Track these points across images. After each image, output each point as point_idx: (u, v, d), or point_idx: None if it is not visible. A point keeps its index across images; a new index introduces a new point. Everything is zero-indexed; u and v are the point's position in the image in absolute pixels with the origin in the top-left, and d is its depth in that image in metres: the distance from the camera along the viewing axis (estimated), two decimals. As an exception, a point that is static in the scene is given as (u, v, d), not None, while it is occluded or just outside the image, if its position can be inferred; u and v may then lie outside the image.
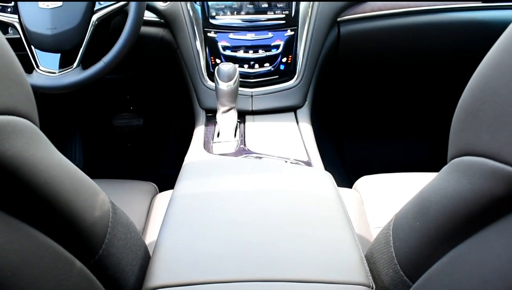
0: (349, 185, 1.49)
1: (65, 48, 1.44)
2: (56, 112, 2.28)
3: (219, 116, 1.49)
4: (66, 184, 0.54)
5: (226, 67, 1.40)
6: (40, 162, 0.49)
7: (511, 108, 0.46)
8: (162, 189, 1.46)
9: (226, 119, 1.48)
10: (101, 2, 1.45)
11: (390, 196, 1.33)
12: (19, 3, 1.45)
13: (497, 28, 1.80)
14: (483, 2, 1.78)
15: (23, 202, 0.47)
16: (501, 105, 0.48)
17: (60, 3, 1.41)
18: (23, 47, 1.46)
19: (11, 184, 0.45)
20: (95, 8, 1.44)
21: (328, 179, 1.05)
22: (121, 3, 1.43)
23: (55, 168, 0.52)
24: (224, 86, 1.39)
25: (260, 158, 1.35)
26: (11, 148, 0.43)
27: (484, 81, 0.52)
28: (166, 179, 1.57)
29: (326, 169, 1.24)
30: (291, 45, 1.65)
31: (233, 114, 1.48)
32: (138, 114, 2.52)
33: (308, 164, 1.34)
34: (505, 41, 0.50)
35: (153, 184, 1.48)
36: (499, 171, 0.47)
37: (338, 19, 1.73)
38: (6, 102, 0.44)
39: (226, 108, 1.45)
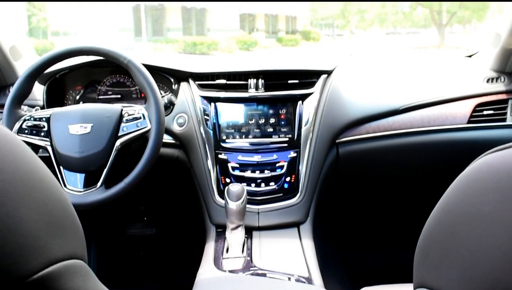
0: None
1: (90, 169, 1.57)
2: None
3: (228, 233, 1.62)
4: None
5: (235, 188, 1.56)
6: None
7: (449, 254, 0.59)
8: None
9: (235, 236, 1.60)
10: (125, 128, 1.61)
11: None
12: (52, 129, 1.61)
13: (480, 147, 1.98)
14: (467, 123, 1.96)
15: None
16: (443, 250, 0.61)
17: (88, 130, 1.57)
18: (52, 166, 1.58)
19: None
20: (119, 134, 1.60)
21: None
22: (144, 129, 1.60)
23: None
24: (233, 205, 1.53)
25: (265, 274, 1.45)
26: (72, 285, 0.56)
27: (432, 228, 0.66)
28: (176, 287, 1.64)
29: (329, 279, 1.33)
30: (294, 165, 1.82)
31: (241, 231, 1.61)
32: (151, 224, 2.63)
33: (309, 280, 1.44)
34: (451, 191, 0.64)
35: None
36: None
37: (337, 140, 1.91)
38: (70, 249, 0.56)
39: (234, 225, 1.58)
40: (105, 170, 1.56)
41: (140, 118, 1.61)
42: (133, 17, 17.25)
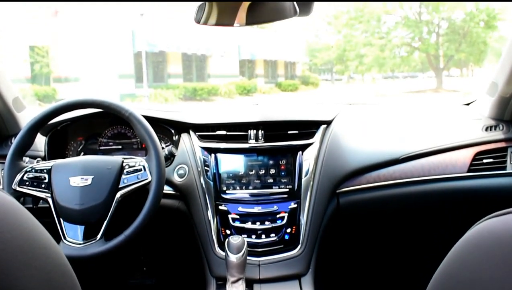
0: None
1: (90, 221, 1.57)
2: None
3: (228, 286, 1.59)
4: None
5: (235, 240, 1.54)
6: None
7: None
8: None
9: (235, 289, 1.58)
10: (125, 180, 1.62)
11: None
12: (53, 181, 1.62)
13: (481, 195, 1.98)
14: (467, 172, 1.96)
15: None
16: None
17: (89, 182, 1.58)
18: (52, 217, 1.58)
19: None
20: (120, 186, 1.60)
21: None
22: (144, 182, 1.60)
23: None
24: (233, 258, 1.52)
25: None
26: None
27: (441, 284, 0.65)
28: None
29: None
30: (294, 216, 1.81)
31: (242, 284, 1.58)
32: (151, 275, 2.60)
33: None
34: (452, 256, 0.64)
35: None
36: None
37: (338, 191, 1.91)
38: None
39: (235, 278, 1.56)
40: (105, 222, 1.57)
41: (140, 170, 1.62)
42: (134, 64, 17.48)
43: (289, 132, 1.90)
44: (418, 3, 23.82)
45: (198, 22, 1.47)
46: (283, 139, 1.88)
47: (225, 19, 1.49)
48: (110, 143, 2.07)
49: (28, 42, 16.76)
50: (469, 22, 22.52)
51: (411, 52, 25.90)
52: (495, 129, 2.02)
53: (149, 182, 1.60)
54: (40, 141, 1.97)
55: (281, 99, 18.31)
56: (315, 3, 1.59)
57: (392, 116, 2.18)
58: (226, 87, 19.57)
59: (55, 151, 2.00)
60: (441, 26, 24.38)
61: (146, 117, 1.67)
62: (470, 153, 1.98)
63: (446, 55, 24.87)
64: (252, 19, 1.47)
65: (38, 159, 1.83)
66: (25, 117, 2.07)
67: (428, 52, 24.32)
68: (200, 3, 1.46)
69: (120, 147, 2.07)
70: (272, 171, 1.85)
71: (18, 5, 15.81)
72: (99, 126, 2.07)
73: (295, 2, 1.41)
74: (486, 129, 2.02)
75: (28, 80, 16.66)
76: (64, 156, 2.04)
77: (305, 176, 1.84)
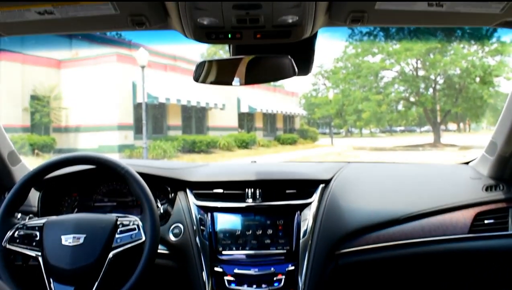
0: None
1: (81, 281, 1.51)
2: None
3: None
4: None
5: None
6: None
7: None
8: None
9: None
10: (119, 240, 1.57)
11: None
12: (44, 239, 1.57)
13: (482, 257, 1.93)
14: (468, 233, 1.93)
15: None
16: None
17: (81, 241, 1.53)
18: (42, 277, 1.52)
19: None
20: (113, 245, 1.55)
21: None
22: (138, 241, 1.56)
23: None
24: None
25: None
26: None
27: None
28: None
29: None
30: (292, 279, 1.75)
31: None
32: None
33: None
34: None
35: None
36: None
37: (336, 252, 1.86)
38: None
39: None
40: (96, 283, 1.51)
41: (134, 229, 1.58)
42: (134, 115, 17.62)
43: (287, 191, 1.87)
44: (414, 59, 24.30)
45: (196, 80, 1.48)
46: (281, 198, 1.85)
47: (223, 78, 1.50)
48: (105, 200, 2.04)
49: (29, 91, 16.95)
50: (465, 78, 22.93)
51: (408, 107, 26.24)
52: (495, 189, 2.00)
53: (143, 242, 1.56)
54: (34, 196, 1.94)
55: (279, 156, 18.35)
56: (314, 60, 1.60)
57: (391, 175, 2.16)
58: (225, 140, 19.70)
59: (49, 206, 1.97)
60: (437, 81, 24.82)
61: (142, 174, 1.65)
62: (470, 213, 1.95)
63: (443, 110, 25.19)
64: (251, 78, 1.47)
65: (31, 215, 1.79)
66: (20, 171, 2.04)
67: (425, 107, 24.63)
68: (199, 61, 1.47)
69: (115, 203, 2.03)
70: (270, 231, 1.81)
71: (21, 55, 16.09)
72: (94, 182, 2.04)
73: (293, 62, 1.42)
74: (487, 189, 2.00)
75: (27, 130, 16.75)
76: (57, 212, 2.00)
77: (303, 236, 1.80)
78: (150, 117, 18.17)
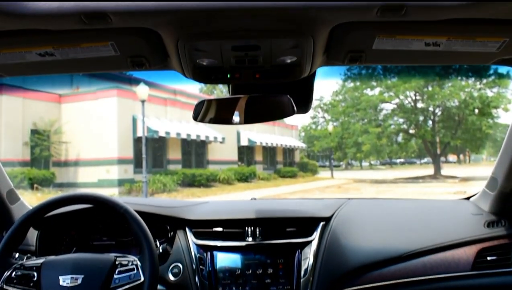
0: None
1: None
2: None
3: None
4: None
5: None
6: None
7: None
8: None
9: None
10: (117, 280, 1.55)
11: None
12: (42, 279, 1.55)
13: None
14: (471, 270, 1.90)
15: None
16: None
17: (79, 281, 1.50)
18: None
19: None
20: (111, 286, 1.53)
21: None
22: (136, 282, 1.53)
23: None
24: None
25: None
26: None
27: None
28: None
29: None
30: None
31: None
32: None
33: None
34: None
35: None
36: None
37: None
38: None
39: None
40: None
41: (133, 269, 1.56)
42: (134, 149, 17.65)
43: (288, 229, 1.85)
44: (412, 92, 24.50)
45: (196, 119, 1.48)
46: (281, 236, 1.83)
47: (222, 117, 1.50)
48: (104, 239, 2.02)
49: (30, 125, 17.04)
50: (463, 109, 23.06)
51: (408, 139, 26.31)
52: (497, 225, 1.98)
53: (142, 282, 1.54)
54: (32, 235, 1.93)
55: (279, 189, 18.31)
56: (313, 98, 1.61)
57: (392, 212, 2.15)
58: (225, 173, 19.69)
59: (47, 245, 1.95)
60: (436, 113, 24.95)
61: (140, 213, 1.64)
62: (473, 250, 1.93)
63: (442, 142, 25.26)
64: (250, 117, 1.48)
65: (28, 254, 1.77)
66: (19, 210, 2.03)
67: (424, 138, 24.70)
68: (199, 100, 1.48)
69: (113, 242, 2.01)
70: (270, 270, 1.78)
71: (22, 89, 16.22)
72: (92, 221, 2.03)
73: (292, 101, 1.42)
74: (488, 225, 1.99)
75: (27, 164, 16.76)
76: (56, 251, 1.98)
77: (304, 275, 1.77)
78: (150, 151, 18.21)
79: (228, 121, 1.47)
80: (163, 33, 1.06)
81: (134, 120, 17.61)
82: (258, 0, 0.90)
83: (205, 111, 1.47)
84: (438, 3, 0.88)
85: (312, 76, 1.45)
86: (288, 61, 1.22)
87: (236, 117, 1.45)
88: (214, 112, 1.48)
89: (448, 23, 1.02)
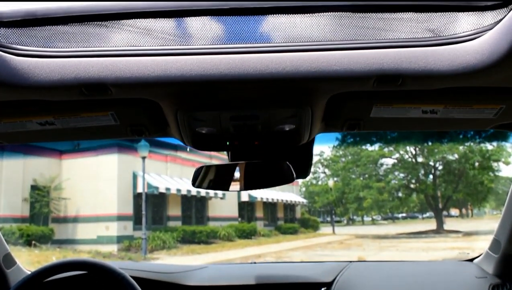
0: None
1: None
2: None
3: None
4: None
5: None
6: None
7: None
8: None
9: None
10: None
11: None
12: None
13: None
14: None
15: None
16: None
17: None
18: None
19: None
20: None
21: None
22: None
23: None
24: None
25: None
26: None
27: None
28: None
29: None
30: None
31: None
32: None
33: None
34: None
35: None
36: None
37: None
38: None
39: None
40: None
41: None
42: (134, 205, 17.59)
43: None
44: (412, 146, 24.63)
45: (195, 185, 1.48)
46: None
47: (221, 184, 1.50)
48: None
49: (30, 181, 17.07)
50: (464, 163, 23.10)
51: (409, 193, 26.21)
52: (502, 288, 1.94)
53: None
54: None
55: (280, 246, 18.11)
56: (312, 163, 1.62)
57: (394, 275, 2.11)
58: (225, 230, 19.52)
59: None
60: (437, 167, 24.97)
61: (139, 278, 1.62)
62: None
63: (444, 196, 25.15)
64: (249, 184, 1.47)
65: None
66: (15, 275, 1.99)
67: (426, 193, 24.62)
68: (198, 167, 1.48)
69: None
70: None
71: (23, 146, 16.32)
72: (89, 287, 1.99)
73: (291, 167, 1.42)
74: (493, 289, 1.94)
75: (26, 220, 16.67)
76: None
77: None
78: (150, 208, 18.12)
79: (227, 187, 1.47)
80: (163, 104, 1.08)
81: (135, 177, 17.63)
82: (256, 72, 0.92)
83: (204, 178, 1.47)
84: (434, 73, 0.90)
85: (311, 142, 1.46)
86: (287, 129, 1.23)
87: (234, 184, 1.45)
88: (213, 179, 1.48)
89: (445, 92, 1.03)
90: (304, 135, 1.28)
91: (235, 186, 1.44)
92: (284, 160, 1.42)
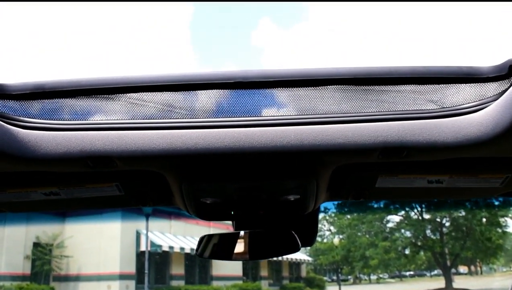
0: None
1: None
2: None
3: None
4: None
5: None
6: None
7: None
8: None
9: None
10: None
11: None
12: None
13: None
14: None
15: None
16: None
17: None
18: None
19: None
20: None
21: None
22: None
23: None
24: None
25: None
26: None
27: None
28: None
29: None
30: None
31: None
32: None
33: None
34: None
35: None
36: None
37: None
38: None
39: None
40: None
41: None
42: (136, 264, 17.34)
43: None
44: (418, 203, 24.43)
45: (199, 255, 1.46)
46: None
47: (226, 253, 1.47)
48: None
49: (32, 239, 16.97)
50: (471, 220, 22.79)
51: (416, 251, 25.76)
52: None
53: None
54: None
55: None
56: (317, 231, 1.59)
57: None
58: (230, 290, 19.13)
59: None
60: (444, 224, 24.63)
61: None
62: None
63: (452, 253, 24.70)
64: (254, 254, 1.44)
65: None
66: None
67: (433, 250, 24.19)
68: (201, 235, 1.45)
69: None
70: None
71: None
72: None
73: (297, 237, 1.40)
74: None
75: (27, 278, 16.47)
76: None
77: None
78: (153, 266, 17.86)
79: (231, 257, 1.44)
80: (168, 175, 1.07)
81: (138, 235, 17.47)
82: (260, 146, 0.91)
83: (207, 246, 1.44)
84: (439, 145, 0.89)
85: (316, 210, 1.44)
86: (292, 199, 1.22)
87: (239, 254, 1.42)
88: (217, 248, 1.45)
89: (450, 162, 1.03)
90: (309, 205, 1.26)
91: (239, 256, 1.41)
92: (289, 228, 1.40)
